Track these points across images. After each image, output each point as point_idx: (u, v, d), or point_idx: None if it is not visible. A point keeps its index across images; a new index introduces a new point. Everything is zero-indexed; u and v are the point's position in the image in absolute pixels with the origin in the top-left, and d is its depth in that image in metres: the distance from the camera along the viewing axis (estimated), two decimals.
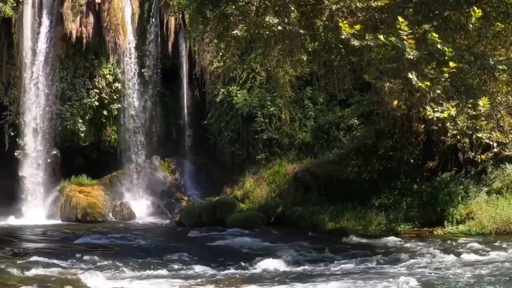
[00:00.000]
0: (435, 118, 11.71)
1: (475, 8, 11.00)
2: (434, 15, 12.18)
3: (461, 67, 11.43)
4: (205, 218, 22.49)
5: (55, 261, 13.24)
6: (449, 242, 16.02)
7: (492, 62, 11.76)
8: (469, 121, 12.78)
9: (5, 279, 10.55)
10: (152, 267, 13.16)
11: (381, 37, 11.12)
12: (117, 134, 28.17)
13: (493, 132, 15.16)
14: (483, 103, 11.49)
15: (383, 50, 11.66)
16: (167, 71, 28.94)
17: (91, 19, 27.22)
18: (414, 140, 19.83)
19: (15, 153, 26.86)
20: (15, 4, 26.53)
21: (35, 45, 27.15)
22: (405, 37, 10.85)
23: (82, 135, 27.32)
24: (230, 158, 26.84)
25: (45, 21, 27.28)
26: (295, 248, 15.64)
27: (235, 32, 13.48)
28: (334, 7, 12.25)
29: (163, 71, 28.84)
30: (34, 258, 13.52)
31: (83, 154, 28.43)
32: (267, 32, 13.49)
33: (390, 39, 10.92)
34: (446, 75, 11.02)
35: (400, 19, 10.80)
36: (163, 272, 12.68)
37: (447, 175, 19.31)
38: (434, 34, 10.99)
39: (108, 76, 27.46)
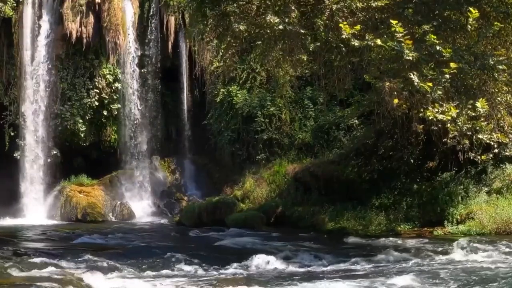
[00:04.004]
0: (435, 119, 11.71)
1: (472, 9, 11.03)
2: (434, 15, 12.19)
3: (461, 67, 11.44)
4: (205, 218, 22.51)
5: (55, 261, 13.23)
6: (449, 242, 16.01)
7: (492, 62, 11.78)
8: (469, 122, 12.79)
9: (5, 279, 10.54)
10: (152, 267, 13.16)
11: (378, 41, 11.14)
12: (117, 134, 28.16)
13: (493, 133, 15.16)
14: (481, 104, 11.51)
15: (383, 50, 11.67)
16: (167, 71, 28.93)
17: (91, 19, 27.21)
18: (414, 140, 19.82)
19: (15, 153, 26.86)
20: (15, 4, 26.55)
21: (35, 45, 27.15)
22: (401, 39, 10.88)
23: (82, 135, 27.31)
24: (230, 158, 26.84)
25: (45, 21, 27.26)
26: (295, 248, 15.63)
27: (235, 26, 13.45)
28: (334, 7, 12.26)
29: (163, 71, 28.83)
30: (34, 258, 13.51)
31: (83, 154, 28.42)
32: (268, 31, 13.49)
33: (388, 44, 10.95)
34: (447, 75, 11.03)
35: (393, 21, 10.82)
36: (163, 272, 12.68)
37: (447, 175, 19.31)
38: (433, 36, 11.00)
39: (108, 76, 27.45)
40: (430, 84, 11.10)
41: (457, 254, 14.03)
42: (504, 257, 13.54)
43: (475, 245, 15.15)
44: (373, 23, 12.47)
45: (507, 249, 14.40)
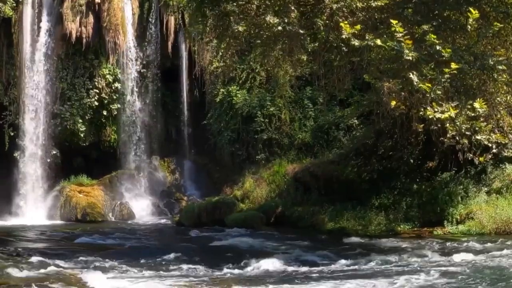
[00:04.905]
0: (435, 119, 11.72)
1: (471, 9, 11.04)
2: (433, 15, 12.20)
3: (460, 67, 11.45)
4: (204, 218, 22.51)
5: (55, 261, 13.24)
6: (448, 242, 16.03)
7: (492, 62, 11.78)
8: (469, 123, 12.78)
9: (5, 279, 10.55)
10: (151, 267, 13.17)
11: (378, 41, 11.15)
12: (116, 134, 28.16)
13: (492, 134, 15.17)
14: (479, 104, 11.52)
15: (383, 50, 11.68)
16: (167, 71, 28.93)
17: (91, 19, 27.21)
18: (413, 140, 19.83)
19: (15, 153, 26.86)
20: (14, 4, 26.56)
21: (35, 45, 27.15)
22: (401, 39, 10.89)
23: (82, 135, 27.31)
24: (230, 158, 26.84)
25: (45, 21, 27.27)
26: (295, 248, 15.64)
27: (235, 27, 13.46)
28: (334, 6, 12.26)
29: (163, 71, 28.83)
30: (34, 258, 13.51)
31: (83, 154, 28.42)
32: (267, 33, 13.51)
33: (388, 43, 10.96)
34: (447, 75, 11.04)
35: (393, 21, 10.83)
36: (163, 272, 12.68)
37: (447, 175, 19.32)
38: (432, 36, 11.01)
39: (108, 76, 27.45)
40: (429, 84, 11.12)
41: (457, 254, 14.02)
42: (504, 257, 13.53)
43: (474, 245, 15.19)
44: (373, 23, 12.48)
45: (507, 250, 14.41)
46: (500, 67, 11.79)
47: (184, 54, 28.76)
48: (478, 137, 15.57)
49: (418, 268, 12.51)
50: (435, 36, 11.02)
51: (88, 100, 27.15)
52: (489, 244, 15.08)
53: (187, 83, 29.00)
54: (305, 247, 15.92)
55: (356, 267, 13.06)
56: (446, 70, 10.98)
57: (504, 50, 12.65)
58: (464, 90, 12.74)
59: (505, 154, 18.59)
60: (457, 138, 16.02)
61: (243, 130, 26.08)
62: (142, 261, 13.85)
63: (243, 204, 23.77)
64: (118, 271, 12.61)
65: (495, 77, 12.21)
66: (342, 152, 22.63)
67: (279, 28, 12.77)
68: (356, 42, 11.58)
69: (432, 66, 11.30)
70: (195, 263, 13.46)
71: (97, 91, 27.31)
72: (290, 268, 13.04)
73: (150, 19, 28.46)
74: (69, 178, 26.78)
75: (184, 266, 13.25)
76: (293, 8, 13.03)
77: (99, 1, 27.25)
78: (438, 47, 11.04)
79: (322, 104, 24.89)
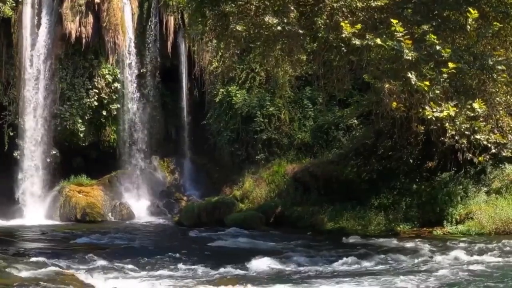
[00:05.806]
0: (434, 118, 11.73)
1: (471, 9, 11.05)
2: (433, 15, 12.21)
3: (460, 67, 11.46)
4: (204, 218, 22.53)
5: (55, 261, 13.25)
6: (448, 242, 16.03)
7: (491, 63, 11.79)
8: (468, 122, 12.80)
9: (5, 279, 10.55)
10: (151, 267, 13.19)
11: (378, 40, 11.15)
12: (116, 134, 28.15)
13: (491, 134, 15.17)
14: (478, 105, 11.53)
15: (383, 50, 11.68)
16: (166, 71, 28.92)
17: (90, 19, 27.21)
18: (413, 140, 19.83)
19: (14, 153, 26.86)
20: (14, 4, 26.58)
21: (34, 45, 27.14)
22: (401, 39, 10.90)
23: (82, 135, 27.31)
24: (229, 158, 26.84)
25: (45, 21, 27.26)
26: (294, 248, 15.66)
27: (234, 26, 13.46)
28: (335, 5, 12.27)
29: (162, 71, 28.82)
30: (34, 258, 13.52)
31: (83, 154, 28.41)
32: (266, 33, 13.51)
33: (388, 43, 10.96)
34: (445, 75, 11.05)
35: (394, 20, 10.84)
36: (163, 272, 12.70)
37: (446, 175, 19.32)
38: (432, 36, 11.02)
39: (107, 76, 27.44)
40: (427, 82, 11.12)
41: (456, 254, 14.03)
42: (503, 257, 13.55)
43: (474, 245, 15.19)
44: (373, 23, 12.48)
45: (506, 250, 14.43)
46: (499, 67, 11.81)
47: (184, 54, 28.74)
48: (478, 137, 15.57)
49: (420, 268, 12.52)
50: (435, 36, 11.03)
51: (88, 100, 27.15)
52: (485, 245, 15.06)
53: (186, 83, 28.99)
54: (304, 247, 15.93)
55: (356, 267, 13.06)
56: (444, 70, 10.99)
57: (504, 50, 12.67)
58: (463, 90, 12.75)
59: (504, 154, 18.57)
60: (456, 137, 16.05)
61: (243, 130, 26.09)
62: (141, 261, 13.86)
63: (243, 204, 23.77)
64: (118, 271, 12.63)
65: (495, 77, 12.21)
66: (341, 152, 22.63)
67: (279, 28, 12.78)
68: (356, 42, 11.58)
69: (432, 66, 11.31)
70: (195, 263, 13.47)
71: (97, 91, 27.30)
72: (290, 268, 13.05)
73: (149, 19, 28.46)
74: (68, 178, 26.77)
75: (184, 266, 13.26)
76: (292, 8, 13.04)
77: (99, 1, 27.24)
78: (437, 47, 11.05)
79: (321, 104, 24.89)
